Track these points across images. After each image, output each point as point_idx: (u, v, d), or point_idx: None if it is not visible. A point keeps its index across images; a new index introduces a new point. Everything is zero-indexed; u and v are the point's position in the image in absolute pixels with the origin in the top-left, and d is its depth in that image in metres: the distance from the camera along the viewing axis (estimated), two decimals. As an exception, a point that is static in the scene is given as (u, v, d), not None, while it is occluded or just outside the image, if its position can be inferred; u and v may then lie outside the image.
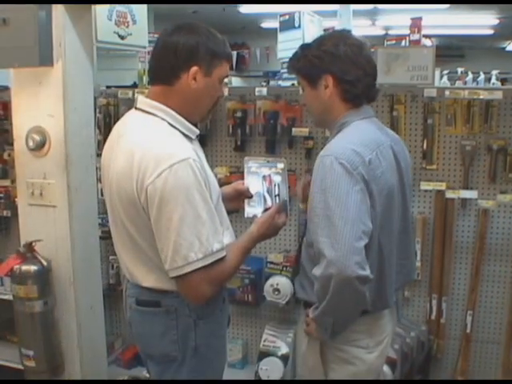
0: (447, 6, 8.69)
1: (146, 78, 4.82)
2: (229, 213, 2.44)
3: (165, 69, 2.18)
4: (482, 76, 7.07)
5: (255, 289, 3.82)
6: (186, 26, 2.22)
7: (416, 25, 6.63)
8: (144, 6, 4.48)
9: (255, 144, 3.81)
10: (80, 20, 3.21)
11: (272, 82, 7.54)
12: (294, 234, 3.77)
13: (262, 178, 2.53)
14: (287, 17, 6.10)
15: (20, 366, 3.44)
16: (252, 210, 2.50)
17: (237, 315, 4.01)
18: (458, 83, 6.73)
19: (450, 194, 3.38)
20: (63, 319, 3.38)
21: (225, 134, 3.85)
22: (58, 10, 3.08)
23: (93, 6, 3.43)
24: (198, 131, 2.26)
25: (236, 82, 11.03)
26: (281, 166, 2.54)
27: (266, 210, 2.42)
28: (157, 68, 2.22)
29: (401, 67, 3.47)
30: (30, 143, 3.20)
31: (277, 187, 2.49)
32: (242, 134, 3.78)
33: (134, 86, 4.07)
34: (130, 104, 3.59)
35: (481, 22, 10.59)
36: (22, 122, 3.27)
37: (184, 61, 2.14)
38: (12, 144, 3.42)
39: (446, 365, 3.73)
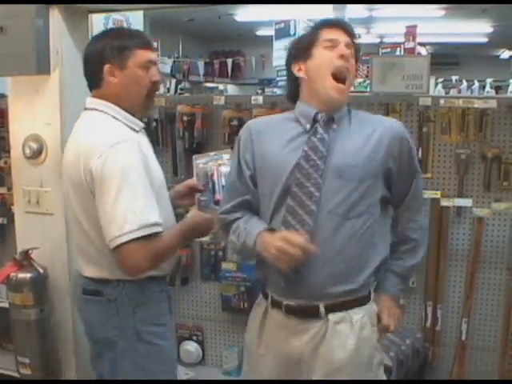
0: (442, 13, 8.73)
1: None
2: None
3: (89, 77, 2.46)
4: (477, 84, 7.10)
5: (251, 296, 3.82)
6: (95, 36, 2.58)
7: (411, 33, 6.66)
8: (140, 14, 4.49)
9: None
10: (77, 28, 3.24)
11: (267, 90, 7.54)
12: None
13: (209, 171, 2.70)
14: (282, 25, 6.10)
15: (16, 374, 3.44)
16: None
17: (232, 323, 4.02)
18: (453, 91, 6.75)
19: (444, 202, 3.40)
20: (59, 327, 3.38)
21: (221, 142, 3.86)
22: (55, 18, 3.10)
23: (89, 15, 3.44)
24: (142, 124, 2.49)
25: (231, 89, 11.07)
26: (226, 156, 2.74)
27: (216, 201, 2.61)
28: (86, 79, 2.48)
29: (396, 76, 3.49)
30: (27, 151, 3.21)
31: (224, 178, 2.65)
32: (238, 142, 3.78)
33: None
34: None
35: (475, 29, 10.63)
36: (18, 130, 3.28)
37: (97, 64, 2.39)
38: (9, 151, 3.44)
39: (441, 372, 3.73)
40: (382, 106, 3.56)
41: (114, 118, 2.38)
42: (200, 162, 2.74)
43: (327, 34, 2.28)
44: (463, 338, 3.62)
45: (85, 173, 2.25)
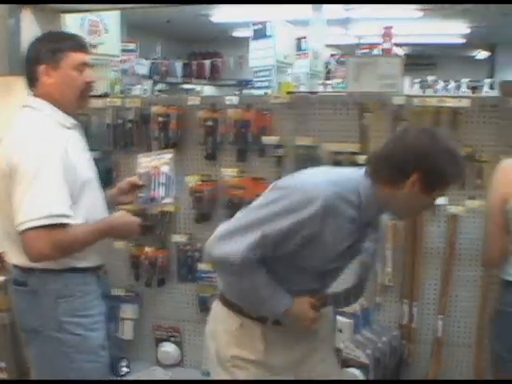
0: (421, 14, 8.80)
1: (118, 87, 4.82)
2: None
3: (28, 76, 2.58)
4: (453, 84, 7.16)
5: (228, 297, 3.82)
6: (35, 38, 2.64)
7: (388, 33, 6.72)
8: (116, 15, 4.49)
9: (226, 152, 3.83)
10: (50, 28, 3.20)
11: (245, 91, 7.55)
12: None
13: (150, 169, 2.85)
14: (259, 26, 6.15)
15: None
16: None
17: (210, 323, 4.01)
18: (429, 91, 6.81)
19: (418, 200, 3.42)
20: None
21: (196, 142, 3.86)
22: (27, 18, 3.09)
23: (62, 15, 3.43)
24: (74, 121, 2.61)
25: (209, 90, 11.05)
26: (168, 156, 2.89)
27: (152, 198, 2.81)
28: (26, 78, 2.60)
29: (370, 76, 3.52)
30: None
31: (163, 176, 2.82)
32: (213, 143, 3.80)
33: (106, 95, 4.05)
34: (101, 113, 3.61)
35: (453, 30, 10.71)
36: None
37: (33, 65, 2.52)
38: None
39: (417, 369, 3.75)
40: (356, 105, 3.57)
41: (46, 115, 2.51)
42: (143, 160, 2.90)
43: None
44: (439, 334, 3.64)
45: (8, 162, 2.39)
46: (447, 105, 3.38)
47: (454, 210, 3.44)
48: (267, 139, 3.62)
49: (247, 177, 3.76)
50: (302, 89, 6.47)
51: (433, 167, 2.09)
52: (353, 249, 2.25)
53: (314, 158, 3.59)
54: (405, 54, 12.61)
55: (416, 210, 2.28)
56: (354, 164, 3.53)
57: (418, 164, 2.09)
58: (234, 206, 3.69)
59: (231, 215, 3.71)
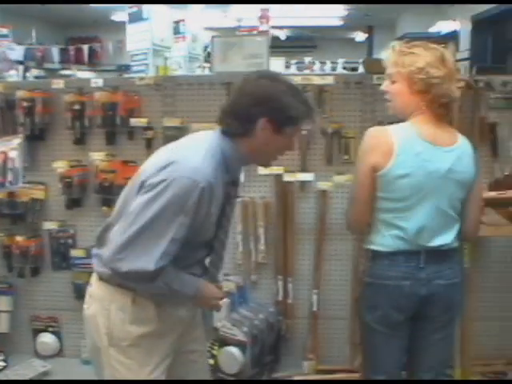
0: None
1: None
2: None
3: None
4: (329, 65, 7.30)
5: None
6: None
7: (265, 16, 6.76)
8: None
9: (95, 136, 3.76)
10: None
11: (126, 76, 7.43)
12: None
13: None
14: (136, 9, 6.04)
15: None
16: None
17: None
18: (306, 72, 6.92)
19: (287, 178, 3.49)
20: None
21: (64, 127, 3.76)
22: None
23: None
24: None
25: (89, 76, 10.77)
26: (17, 141, 2.93)
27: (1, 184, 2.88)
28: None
29: (237, 55, 3.54)
30: None
31: (11, 161, 2.86)
32: (81, 127, 3.72)
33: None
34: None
35: (330, 13, 10.91)
36: None
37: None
38: None
39: (296, 343, 3.83)
40: (224, 85, 3.56)
41: None
42: None
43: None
44: (314, 308, 3.74)
45: None
46: (312, 82, 3.43)
47: (322, 185, 3.52)
48: (135, 121, 3.58)
49: (117, 160, 3.70)
50: (181, 72, 6.43)
51: (276, 107, 2.12)
52: (222, 211, 2.26)
53: (183, 138, 3.58)
54: (286, 37, 12.88)
55: (276, 153, 2.27)
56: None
57: (261, 109, 2.11)
58: (104, 190, 3.65)
59: (103, 199, 3.72)
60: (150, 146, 3.63)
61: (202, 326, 2.59)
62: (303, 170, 3.57)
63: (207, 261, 2.37)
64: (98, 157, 3.67)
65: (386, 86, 2.49)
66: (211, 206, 2.12)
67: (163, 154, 2.22)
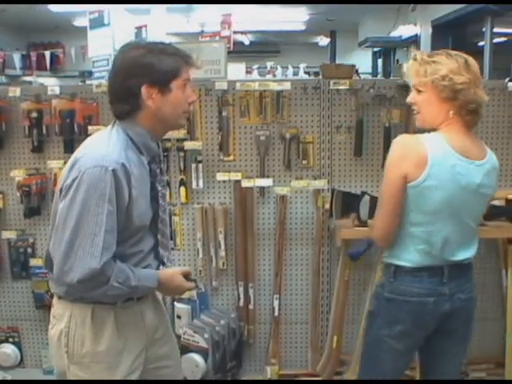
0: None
1: None
2: None
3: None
4: (291, 70, 7.33)
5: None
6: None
7: (227, 21, 6.78)
8: None
9: (53, 144, 3.73)
10: None
11: (88, 82, 7.38)
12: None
13: None
14: (97, 14, 6.00)
15: None
16: None
17: (48, 320, 3.85)
18: (268, 77, 6.96)
19: (246, 183, 3.49)
20: None
21: (21, 135, 3.73)
22: None
23: None
24: None
25: (51, 82, 10.68)
26: None
27: None
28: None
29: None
30: None
31: None
32: (39, 135, 3.69)
33: None
34: None
35: (293, 17, 10.95)
36: None
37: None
38: None
39: (258, 349, 3.85)
40: (182, 92, 3.57)
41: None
42: None
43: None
44: (276, 313, 3.75)
45: None
46: (270, 88, 3.45)
47: (281, 191, 3.53)
48: (93, 129, 3.55)
49: (76, 168, 3.66)
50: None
51: (146, 71, 2.09)
52: (153, 190, 2.24)
53: (141, 145, 3.58)
54: (250, 42, 12.91)
55: (178, 112, 2.20)
56: (182, 150, 3.56)
57: (134, 79, 2.10)
58: (63, 199, 3.62)
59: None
60: (108, 153, 3.61)
61: (174, 341, 2.55)
62: (262, 175, 3.58)
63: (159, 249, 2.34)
64: (56, 165, 3.62)
65: (411, 97, 2.40)
66: (133, 188, 2.09)
67: (71, 157, 2.19)
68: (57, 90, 3.54)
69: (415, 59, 2.36)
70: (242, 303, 3.75)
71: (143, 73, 2.09)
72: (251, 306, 3.75)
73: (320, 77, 3.97)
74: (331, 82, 3.50)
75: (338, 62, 11.10)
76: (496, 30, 7.79)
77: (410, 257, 2.37)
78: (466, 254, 2.41)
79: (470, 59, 2.35)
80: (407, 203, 2.32)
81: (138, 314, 2.30)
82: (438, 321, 2.41)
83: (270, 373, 3.74)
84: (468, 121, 2.34)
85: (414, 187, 2.28)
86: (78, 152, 2.14)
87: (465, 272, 2.45)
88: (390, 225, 2.37)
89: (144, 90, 2.09)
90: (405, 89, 3.51)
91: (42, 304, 3.80)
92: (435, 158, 2.26)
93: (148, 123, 2.16)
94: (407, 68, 2.44)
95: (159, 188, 2.28)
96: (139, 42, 2.27)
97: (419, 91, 2.36)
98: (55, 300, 2.29)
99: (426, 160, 2.25)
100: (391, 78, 7.93)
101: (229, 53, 4.78)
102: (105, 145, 2.09)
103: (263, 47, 13.72)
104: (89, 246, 2.01)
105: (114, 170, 2.01)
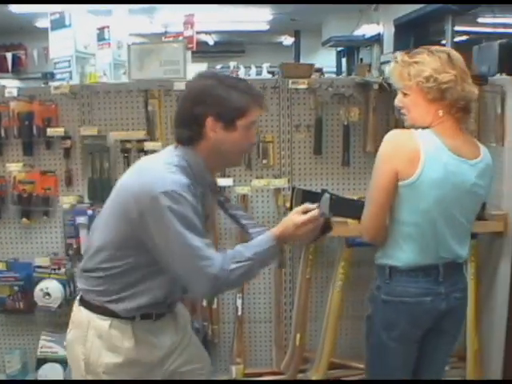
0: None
1: None
2: None
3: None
4: (254, 69, 7.33)
5: (26, 295, 3.69)
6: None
7: (189, 21, 6.75)
8: None
9: (12, 147, 3.69)
10: None
11: (51, 84, 7.32)
12: (60, 236, 3.71)
13: None
14: (58, 15, 5.96)
15: None
16: None
17: (11, 325, 3.87)
18: (232, 77, 6.94)
19: (206, 183, 3.49)
20: None
21: (-22, 138, 3.69)
22: None
23: None
24: None
25: (13, 84, 10.58)
26: None
27: None
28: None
29: (154, 62, 3.55)
30: None
31: None
32: (-3, 138, 3.66)
33: None
34: None
35: (256, 17, 10.98)
36: None
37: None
38: None
39: (223, 348, 3.86)
40: (141, 92, 3.57)
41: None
42: None
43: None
44: (239, 313, 3.76)
45: None
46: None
47: (242, 190, 3.55)
48: (52, 131, 3.54)
49: (35, 170, 3.64)
50: (105, 79, 6.38)
51: (215, 103, 2.09)
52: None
53: (101, 147, 3.58)
54: (214, 42, 12.93)
55: (238, 149, 2.21)
56: (143, 151, 3.55)
57: (201, 108, 2.09)
58: (23, 202, 3.61)
59: (22, 211, 3.66)
60: (68, 156, 3.60)
61: (197, 345, 2.57)
62: (222, 175, 3.58)
63: None
64: (15, 168, 3.60)
65: (398, 100, 2.36)
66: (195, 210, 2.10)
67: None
68: (14, 92, 3.51)
69: (396, 61, 2.31)
70: (205, 303, 3.75)
71: (210, 103, 2.09)
72: (214, 306, 3.75)
73: (278, 76, 3.99)
74: (290, 81, 3.52)
75: (302, 61, 11.16)
76: (457, 28, 7.92)
77: (404, 256, 2.34)
78: (460, 252, 2.39)
79: (453, 53, 2.30)
80: (400, 202, 2.29)
81: (155, 331, 2.29)
82: (434, 320, 2.39)
83: (235, 372, 3.74)
84: (459, 118, 2.30)
85: (407, 186, 2.24)
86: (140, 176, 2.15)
87: (459, 270, 2.44)
88: (380, 222, 2.34)
89: (209, 121, 2.09)
90: (363, 87, 3.57)
91: (4, 308, 3.76)
92: (428, 154, 2.21)
93: (206, 153, 2.16)
94: (390, 71, 2.41)
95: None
96: (215, 72, 2.26)
97: (405, 94, 2.32)
98: (76, 304, 2.31)
99: (418, 156, 2.20)
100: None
101: (192, 53, 4.83)
102: (176, 172, 2.10)
103: (228, 47, 13.78)
104: (202, 251, 2.09)
105: (187, 186, 2.06)
